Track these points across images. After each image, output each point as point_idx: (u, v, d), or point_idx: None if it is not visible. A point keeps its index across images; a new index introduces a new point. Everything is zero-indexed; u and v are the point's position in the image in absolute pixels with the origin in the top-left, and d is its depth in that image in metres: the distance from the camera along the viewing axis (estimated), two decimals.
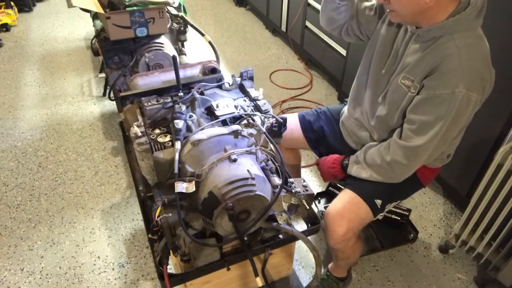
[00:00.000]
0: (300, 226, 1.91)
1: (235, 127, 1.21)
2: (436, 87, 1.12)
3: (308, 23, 3.08)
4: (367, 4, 1.37)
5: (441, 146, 1.22)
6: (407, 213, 1.84)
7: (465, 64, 1.08)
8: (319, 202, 1.98)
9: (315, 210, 1.56)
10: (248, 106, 1.35)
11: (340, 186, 1.92)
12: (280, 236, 1.33)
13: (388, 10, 1.19)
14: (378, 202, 1.34)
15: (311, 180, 2.26)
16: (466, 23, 1.10)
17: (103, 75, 2.68)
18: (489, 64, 1.13)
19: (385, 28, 1.30)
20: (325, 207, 1.89)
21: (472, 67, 1.09)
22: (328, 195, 2.00)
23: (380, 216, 1.42)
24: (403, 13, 1.13)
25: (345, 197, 1.35)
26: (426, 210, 2.06)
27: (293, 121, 1.62)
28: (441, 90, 1.11)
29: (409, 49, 1.21)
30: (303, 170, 2.31)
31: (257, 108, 1.36)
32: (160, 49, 2.13)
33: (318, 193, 2.02)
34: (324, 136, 1.59)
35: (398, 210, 1.84)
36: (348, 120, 1.50)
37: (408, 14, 1.13)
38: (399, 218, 1.84)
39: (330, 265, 1.63)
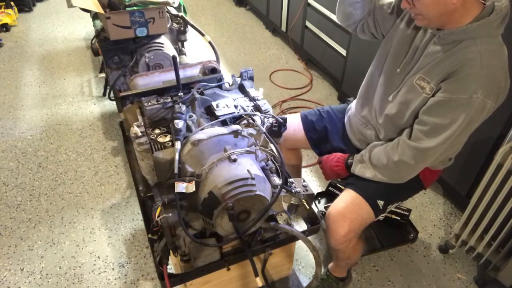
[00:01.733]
0: (300, 226, 1.91)
1: (235, 127, 1.21)
2: (454, 90, 1.11)
3: (308, 23, 3.08)
4: (385, 1, 1.36)
5: (449, 149, 1.23)
6: (407, 213, 1.84)
7: (485, 70, 1.08)
8: (319, 202, 1.98)
9: (315, 210, 1.56)
10: (248, 106, 1.35)
11: (340, 186, 1.92)
12: (280, 236, 1.33)
13: (413, 14, 1.18)
14: (380, 203, 1.33)
15: (311, 180, 2.26)
16: (489, 29, 1.09)
17: (103, 75, 2.68)
18: (507, 73, 1.13)
19: (403, 26, 1.29)
20: (325, 207, 1.89)
21: (491, 74, 1.09)
22: (328, 195, 1.99)
23: (381, 217, 1.42)
24: (429, 16, 1.12)
25: (347, 197, 1.34)
26: (426, 210, 2.06)
27: (295, 121, 1.62)
28: (459, 94, 1.11)
29: (428, 50, 1.20)
30: (303, 170, 2.31)
31: (257, 108, 1.36)
32: (160, 49, 2.13)
33: (318, 193, 2.02)
34: (326, 136, 1.59)
35: (398, 210, 1.84)
36: (355, 117, 1.50)
37: (435, 16, 1.11)
38: (399, 218, 1.84)
39: (330, 265, 1.63)
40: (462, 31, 1.11)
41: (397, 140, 1.28)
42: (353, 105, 1.55)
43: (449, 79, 1.13)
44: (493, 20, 1.08)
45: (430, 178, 1.42)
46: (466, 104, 1.10)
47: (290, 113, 2.78)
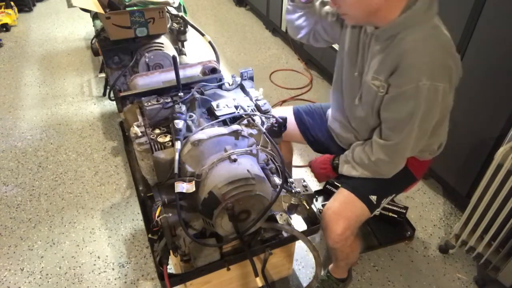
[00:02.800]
0: (300, 226, 1.91)
1: (235, 127, 1.21)
2: (400, 84, 1.13)
3: None
4: (328, 9, 1.39)
5: (422, 138, 1.23)
6: (404, 211, 1.85)
7: (424, 57, 1.10)
8: (316, 200, 1.98)
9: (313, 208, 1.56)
10: (248, 106, 1.35)
11: (338, 184, 1.93)
12: (280, 236, 1.33)
13: (341, 15, 1.21)
14: (373, 198, 1.34)
15: (310, 180, 2.25)
16: (418, 17, 1.11)
17: (103, 75, 2.68)
18: (451, 51, 1.13)
19: (349, 31, 1.32)
20: (323, 205, 1.89)
21: (431, 58, 1.10)
22: (326, 193, 1.99)
23: (377, 212, 1.43)
24: (355, 15, 1.16)
25: (340, 196, 1.36)
26: (426, 210, 2.06)
27: (288, 114, 1.64)
28: (405, 86, 1.12)
29: (372, 49, 1.23)
30: (303, 170, 2.31)
31: (257, 108, 1.36)
32: (160, 49, 2.13)
33: (315, 191, 2.02)
34: (316, 133, 1.62)
35: (395, 208, 1.85)
36: (333, 123, 1.53)
37: (360, 16, 1.15)
38: (396, 216, 1.85)
39: (330, 266, 1.63)
40: (393, 25, 1.13)
41: (371, 140, 1.30)
42: (329, 112, 1.57)
43: (394, 73, 1.15)
44: (419, 8, 1.10)
45: (419, 168, 1.43)
46: (415, 93, 1.11)
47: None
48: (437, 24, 1.14)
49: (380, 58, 1.19)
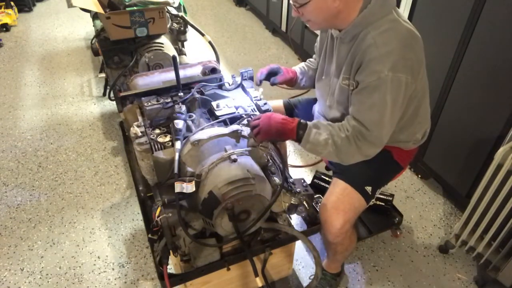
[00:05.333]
0: (300, 226, 1.91)
1: (235, 127, 1.21)
2: (364, 79, 1.15)
3: None
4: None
5: (390, 128, 1.21)
6: (391, 198, 1.86)
7: (382, 50, 1.12)
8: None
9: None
10: (248, 106, 1.35)
11: (326, 178, 1.94)
12: (280, 236, 1.33)
13: (305, 22, 1.25)
14: (369, 189, 1.36)
15: (309, 180, 2.25)
16: (375, 14, 1.15)
17: (103, 75, 2.68)
18: (410, 43, 1.15)
19: (319, 38, 1.38)
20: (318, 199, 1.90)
21: (390, 51, 1.12)
22: (313, 187, 1.99)
23: (372, 202, 1.44)
24: (318, 21, 1.21)
25: (337, 189, 1.36)
26: (426, 210, 2.06)
27: (279, 107, 1.67)
28: (368, 79, 1.14)
29: (340, 52, 1.27)
30: (302, 170, 2.31)
31: (257, 108, 1.36)
32: (160, 49, 2.13)
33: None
34: None
35: (382, 196, 1.86)
36: (318, 118, 1.53)
37: (323, 21, 1.20)
38: (383, 204, 1.87)
39: (324, 263, 1.63)
40: (353, 26, 1.18)
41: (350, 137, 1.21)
42: (315, 107, 1.58)
43: (359, 70, 1.18)
44: (373, 5, 1.14)
45: (405, 158, 1.45)
46: (378, 85, 1.12)
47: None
48: (396, 17, 1.16)
49: (347, 59, 1.23)
